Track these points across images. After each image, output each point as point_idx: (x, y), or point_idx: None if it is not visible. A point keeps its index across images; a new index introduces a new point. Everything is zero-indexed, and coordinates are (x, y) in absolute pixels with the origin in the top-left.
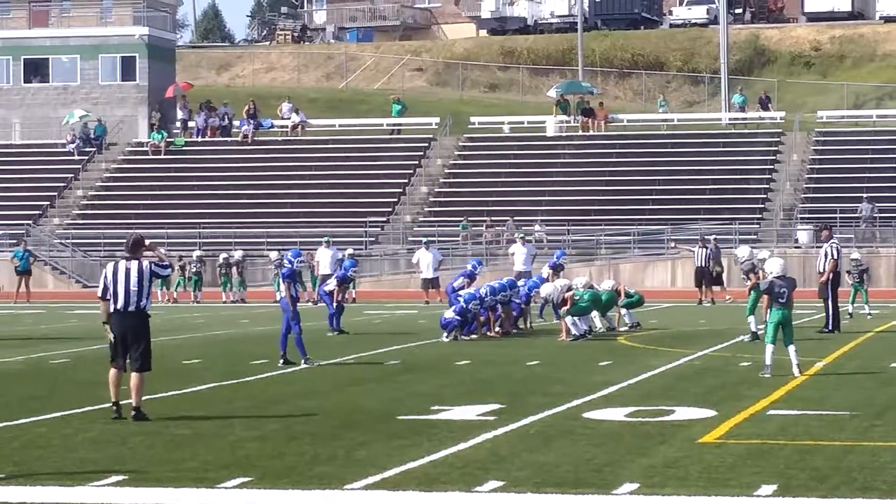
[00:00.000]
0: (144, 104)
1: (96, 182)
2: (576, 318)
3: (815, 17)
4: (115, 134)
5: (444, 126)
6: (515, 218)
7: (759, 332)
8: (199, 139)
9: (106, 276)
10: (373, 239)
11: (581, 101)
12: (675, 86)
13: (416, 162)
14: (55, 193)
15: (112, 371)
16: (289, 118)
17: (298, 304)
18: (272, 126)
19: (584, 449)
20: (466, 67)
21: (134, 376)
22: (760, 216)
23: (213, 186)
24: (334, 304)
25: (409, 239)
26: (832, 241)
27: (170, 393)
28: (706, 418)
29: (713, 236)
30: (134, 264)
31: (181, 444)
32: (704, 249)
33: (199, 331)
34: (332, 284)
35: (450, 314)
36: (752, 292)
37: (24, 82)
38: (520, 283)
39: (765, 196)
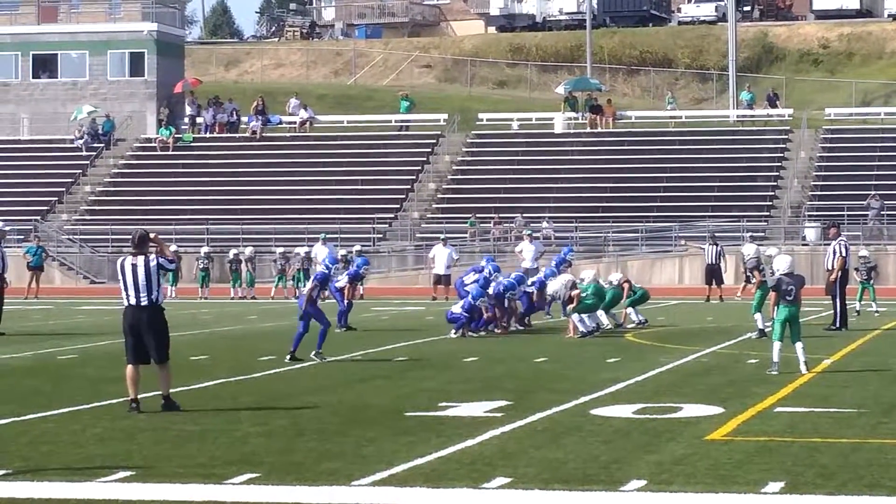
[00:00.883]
0: (153, 100)
1: (104, 178)
2: (583, 316)
3: (823, 15)
4: (124, 130)
5: (452, 123)
6: (524, 215)
7: (767, 330)
8: (208, 135)
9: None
10: (380, 235)
11: (589, 98)
12: (684, 83)
13: (425, 158)
14: (63, 189)
15: (128, 368)
16: (297, 114)
17: (320, 304)
18: (280, 122)
19: (592, 446)
20: (475, 64)
21: (158, 369)
22: (768, 213)
23: (221, 182)
24: (345, 302)
25: (417, 235)
26: (840, 238)
27: (177, 389)
28: (714, 415)
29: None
30: (140, 259)
31: (189, 439)
32: (714, 247)
33: (206, 327)
34: (343, 281)
35: (457, 309)
36: (758, 290)
37: (33, 78)
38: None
39: (772, 193)
